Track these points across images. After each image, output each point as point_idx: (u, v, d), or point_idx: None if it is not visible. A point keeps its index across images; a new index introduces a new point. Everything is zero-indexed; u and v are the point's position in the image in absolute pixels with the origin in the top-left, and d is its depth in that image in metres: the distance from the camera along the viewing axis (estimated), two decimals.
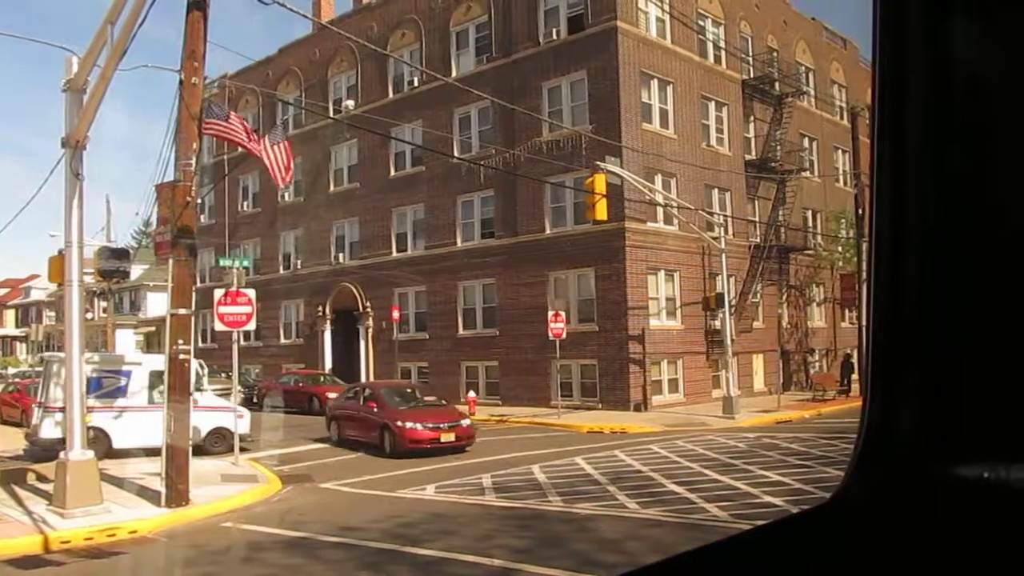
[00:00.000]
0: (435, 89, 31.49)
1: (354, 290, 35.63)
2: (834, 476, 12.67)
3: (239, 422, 19.68)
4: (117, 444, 17.96)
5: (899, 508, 1.59)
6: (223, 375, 29.53)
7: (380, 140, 33.17)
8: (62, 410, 17.73)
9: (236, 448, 16.75)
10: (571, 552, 9.56)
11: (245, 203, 42.82)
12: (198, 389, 19.33)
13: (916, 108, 1.61)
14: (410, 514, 11.89)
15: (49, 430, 17.58)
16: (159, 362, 18.84)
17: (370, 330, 35.13)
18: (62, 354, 19.85)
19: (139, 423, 17.66)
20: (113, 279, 28.29)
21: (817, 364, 35.97)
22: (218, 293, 16.83)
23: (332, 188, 37.80)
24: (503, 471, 15.49)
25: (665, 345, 27.64)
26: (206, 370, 21.53)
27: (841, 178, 38.82)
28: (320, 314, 37.32)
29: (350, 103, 35.86)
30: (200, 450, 18.57)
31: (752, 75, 33.57)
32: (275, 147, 13.52)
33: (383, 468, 16.50)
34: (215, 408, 19.81)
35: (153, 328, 53.76)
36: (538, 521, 11.24)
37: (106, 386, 18.43)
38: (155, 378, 18.60)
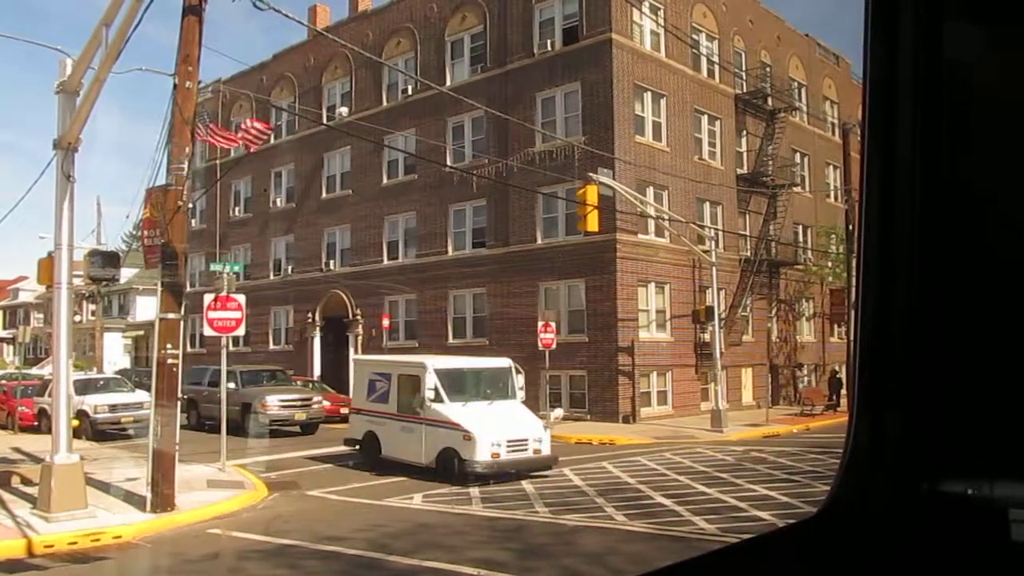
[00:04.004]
0: (429, 98, 31.55)
1: (344, 297, 35.55)
2: (821, 491, 12.68)
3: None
4: (385, 453, 17.11)
5: (886, 522, 1.60)
6: (298, 383, 29.01)
7: (373, 147, 33.18)
8: (357, 412, 17.95)
9: (223, 452, 16.62)
10: (554, 565, 9.54)
11: (236, 208, 42.72)
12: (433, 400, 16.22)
13: (906, 124, 1.63)
14: (395, 523, 11.84)
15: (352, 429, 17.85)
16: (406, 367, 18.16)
17: (360, 337, 35.02)
18: (365, 357, 19.49)
19: (403, 432, 16.76)
20: (102, 283, 28.17)
21: (806, 379, 36.05)
22: (208, 298, 16.76)
23: (324, 195, 37.74)
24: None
25: (654, 357, 27.65)
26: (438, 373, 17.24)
27: (832, 194, 39.00)
28: (310, 321, 37.21)
29: (344, 110, 35.85)
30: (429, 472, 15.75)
31: (745, 90, 33.73)
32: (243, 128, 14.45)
33: (370, 476, 16.43)
34: (445, 423, 15.73)
35: (141, 332, 53.45)
36: (524, 533, 11.21)
37: (379, 390, 17.75)
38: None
